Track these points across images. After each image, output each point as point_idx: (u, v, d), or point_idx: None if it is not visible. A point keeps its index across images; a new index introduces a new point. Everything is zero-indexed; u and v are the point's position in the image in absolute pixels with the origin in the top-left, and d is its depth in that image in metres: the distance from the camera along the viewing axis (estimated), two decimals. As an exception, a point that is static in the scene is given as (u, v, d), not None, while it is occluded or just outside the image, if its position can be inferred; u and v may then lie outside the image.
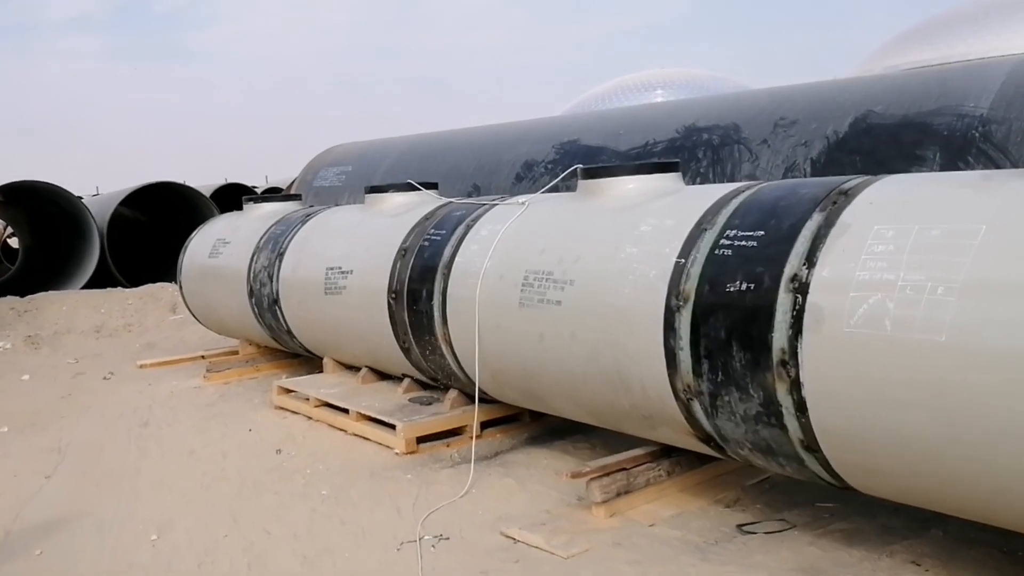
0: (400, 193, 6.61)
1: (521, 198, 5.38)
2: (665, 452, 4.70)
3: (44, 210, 16.30)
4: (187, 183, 16.58)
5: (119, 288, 13.95)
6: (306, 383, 6.94)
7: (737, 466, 4.67)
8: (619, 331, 4.16)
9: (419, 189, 6.61)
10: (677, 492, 4.71)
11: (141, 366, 9.55)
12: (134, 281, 14.71)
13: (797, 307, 3.45)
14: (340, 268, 6.42)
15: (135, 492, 5.36)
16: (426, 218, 5.94)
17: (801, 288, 3.44)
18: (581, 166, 5.02)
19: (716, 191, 4.30)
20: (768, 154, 6.19)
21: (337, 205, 9.20)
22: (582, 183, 4.92)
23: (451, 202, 6.09)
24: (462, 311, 5.20)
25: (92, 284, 14.44)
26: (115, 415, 7.41)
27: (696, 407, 3.93)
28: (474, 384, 5.41)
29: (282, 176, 34.22)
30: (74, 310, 12.70)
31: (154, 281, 14.28)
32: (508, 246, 5.01)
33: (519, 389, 5.08)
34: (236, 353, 9.68)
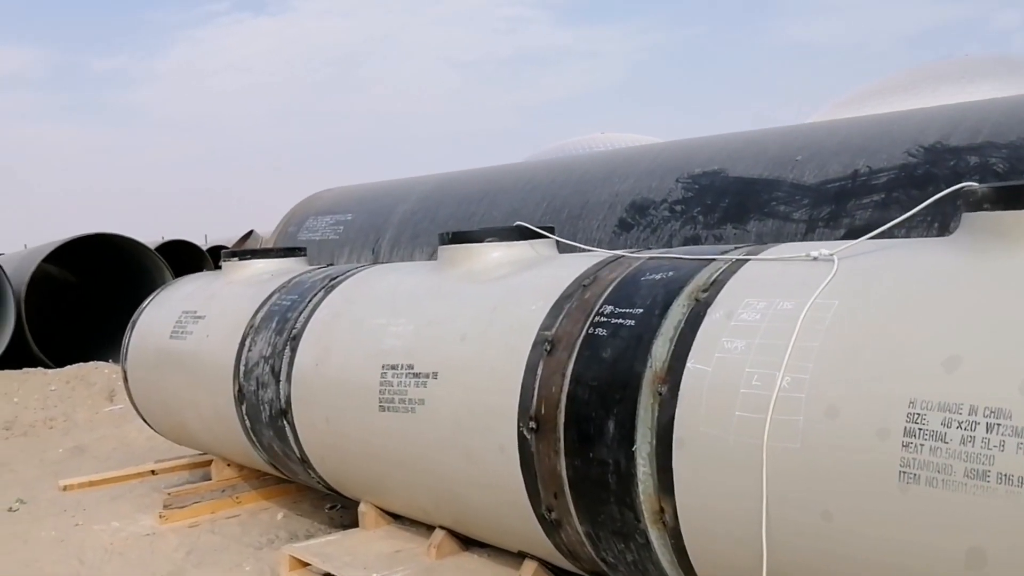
0: (503, 243, 4.03)
1: (815, 247, 2.83)
2: None
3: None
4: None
5: (39, 369, 10.95)
6: (338, 553, 4.23)
7: None
8: None
9: (538, 234, 4.05)
10: None
11: (65, 488, 6.73)
12: (59, 359, 11.70)
13: None
14: (411, 368, 3.79)
15: None
16: (583, 284, 3.36)
17: None
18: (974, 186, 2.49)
19: None
20: None
21: (333, 264, 6.57)
22: (1002, 217, 2.40)
23: (621, 256, 3.52)
24: (712, 470, 2.61)
25: (4, 363, 11.42)
26: (16, 598, 4.62)
27: None
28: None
29: (224, 235, 31.23)
30: (-23, 399, 9.75)
31: (85, 359, 11.31)
32: (834, 346, 2.44)
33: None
34: (199, 466, 6.96)
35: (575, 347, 3.14)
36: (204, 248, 22.70)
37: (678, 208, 5.52)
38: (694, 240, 5.28)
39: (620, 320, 3.06)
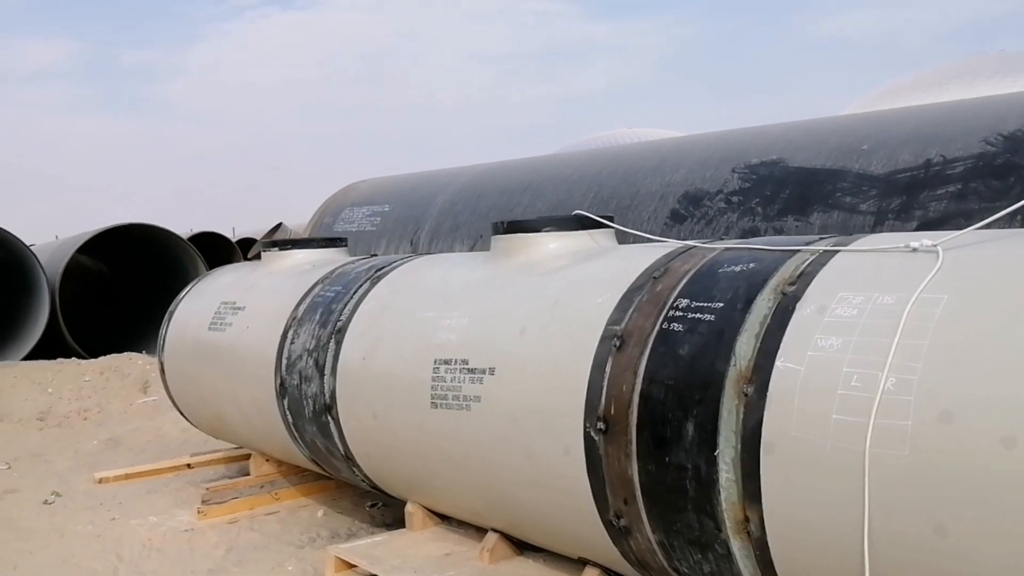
0: (562, 233, 3.85)
1: (914, 238, 2.62)
2: None
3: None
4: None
5: (73, 359, 10.87)
6: (385, 555, 4.07)
7: None
8: None
9: (598, 223, 3.87)
10: None
11: (101, 480, 6.64)
12: (93, 350, 11.63)
13: None
14: (465, 364, 3.61)
15: None
16: (653, 276, 3.16)
17: None
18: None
19: None
20: None
21: (373, 255, 6.42)
22: None
23: (692, 246, 3.32)
24: (806, 477, 2.42)
25: (38, 353, 11.37)
26: (53, 597, 4.50)
27: None
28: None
29: (252, 228, 31.10)
30: (12, 389, 9.70)
31: (118, 350, 11.22)
32: (946, 345, 2.23)
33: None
34: (235, 460, 6.84)
35: (648, 343, 2.94)
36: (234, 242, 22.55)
37: (735, 199, 5.30)
38: (752, 232, 5.07)
39: (698, 315, 2.86)
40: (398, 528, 5.23)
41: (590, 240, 3.84)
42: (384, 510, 5.55)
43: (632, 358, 2.97)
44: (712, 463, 2.66)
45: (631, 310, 3.09)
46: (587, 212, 4.75)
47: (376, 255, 5.45)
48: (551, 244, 3.84)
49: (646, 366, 2.91)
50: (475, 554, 3.93)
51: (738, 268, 2.94)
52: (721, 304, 2.83)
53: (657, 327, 2.95)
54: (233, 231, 32.17)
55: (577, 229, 3.84)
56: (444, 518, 4.41)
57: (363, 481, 4.68)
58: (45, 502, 6.23)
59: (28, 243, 12.64)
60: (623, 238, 4.07)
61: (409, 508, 4.38)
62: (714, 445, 2.65)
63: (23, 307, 12.44)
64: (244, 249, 21.92)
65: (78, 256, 12.90)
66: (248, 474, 6.37)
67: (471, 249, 7.12)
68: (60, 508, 6.08)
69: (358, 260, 5.19)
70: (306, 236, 9.61)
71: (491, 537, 3.89)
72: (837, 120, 5.55)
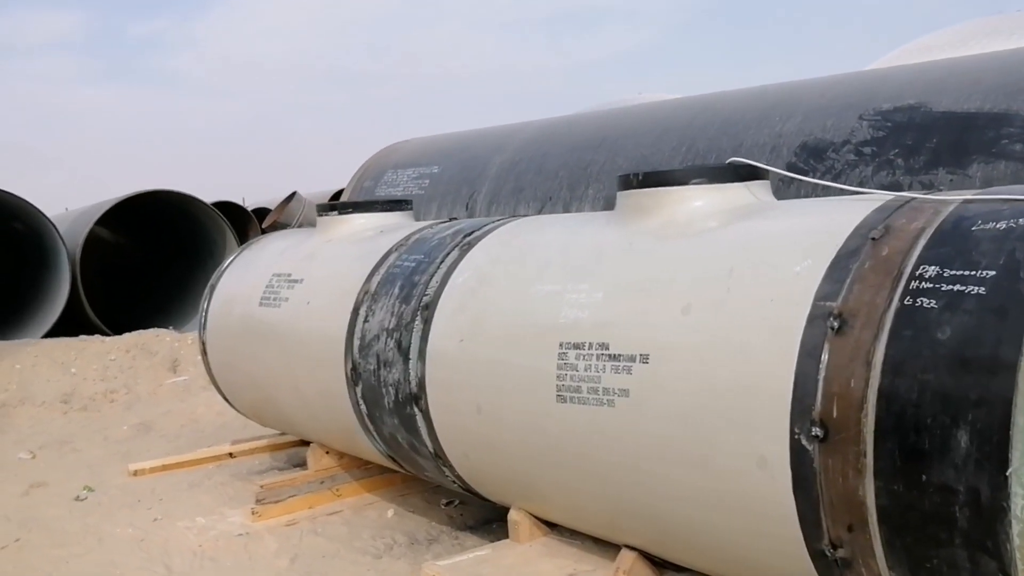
0: (713, 186, 3.14)
1: None
2: None
3: (7, 228, 12.36)
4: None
5: (97, 336, 10.19)
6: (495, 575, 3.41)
7: None
8: None
9: (755, 173, 3.17)
10: None
11: (136, 472, 6.01)
12: (115, 326, 10.96)
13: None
14: (605, 349, 2.93)
15: None
16: (871, 237, 2.46)
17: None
18: None
19: None
20: None
21: (453, 218, 5.73)
22: None
23: (912, 199, 2.61)
24: None
25: (59, 330, 10.71)
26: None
27: None
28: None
29: (264, 198, 30.39)
30: (32, 369, 9.06)
31: (143, 326, 10.52)
32: None
33: None
34: (280, 448, 6.24)
35: (883, 324, 2.25)
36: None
37: (867, 150, 4.58)
38: (894, 188, 4.35)
39: (957, 286, 2.16)
40: (482, 530, 4.63)
41: (748, 194, 3.14)
42: (463, 508, 4.90)
43: (861, 343, 2.27)
44: (1000, 486, 1.98)
45: (848, 281, 2.40)
46: (680, 166, 4.03)
47: (455, 218, 4.75)
48: (698, 200, 3.14)
49: (885, 354, 2.22)
50: (606, 575, 3.28)
51: (1000, 225, 2.24)
52: (991, 272, 2.13)
53: (896, 303, 2.25)
54: (244, 201, 31.42)
55: (733, 181, 3.13)
56: (552, 526, 3.75)
57: (454, 483, 4.02)
58: (77, 498, 5.61)
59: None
60: (777, 191, 3.37)
61: (514, 516, 3.71)
62: (1004, 462, 1.97)
63: (42, 282, 11.77)
64: (259, 219, 21.25)
65: (96, 228, 12.20)
66: (299, 464, 5.78)
67: (539, 212, 6.42)
68: (94, 505, 5.46)
69: (436, 224, 4.50)
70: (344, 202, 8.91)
71: (627, 556, 3.23)
72: (986, 58, 4.80)
